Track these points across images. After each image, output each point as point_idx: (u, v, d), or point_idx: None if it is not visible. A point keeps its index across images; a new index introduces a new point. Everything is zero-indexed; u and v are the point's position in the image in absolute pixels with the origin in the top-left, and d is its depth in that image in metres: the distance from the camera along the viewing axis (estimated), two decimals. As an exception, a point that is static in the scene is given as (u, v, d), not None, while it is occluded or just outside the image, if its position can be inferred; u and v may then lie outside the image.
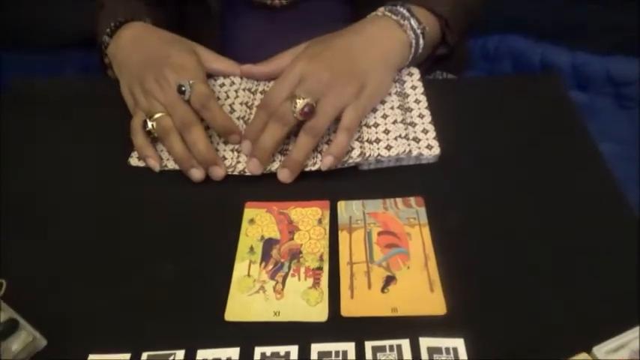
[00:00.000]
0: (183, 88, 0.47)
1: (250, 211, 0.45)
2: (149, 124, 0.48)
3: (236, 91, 0.54)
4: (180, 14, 0.72)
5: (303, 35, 0.66)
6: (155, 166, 0.48)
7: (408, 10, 0.53)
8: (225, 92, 0.53)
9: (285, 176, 0.46)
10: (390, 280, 0.40)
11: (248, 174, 0.47)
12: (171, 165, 0.48)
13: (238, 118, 0.51)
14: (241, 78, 0.55)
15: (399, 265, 0.41)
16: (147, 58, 0.51)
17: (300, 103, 0.44)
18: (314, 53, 0.48)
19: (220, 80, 0.54)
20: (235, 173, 0.47)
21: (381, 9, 0.53)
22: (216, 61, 0.55)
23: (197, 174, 0.46)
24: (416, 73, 0.54)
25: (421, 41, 0.52)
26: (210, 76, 0.54)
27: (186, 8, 0.71)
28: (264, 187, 0.47)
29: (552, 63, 1.14)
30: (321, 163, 0.46)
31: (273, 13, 0.66)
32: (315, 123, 0.45)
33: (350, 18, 0.66)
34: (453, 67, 0.77)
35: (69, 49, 1.18)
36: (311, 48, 0.49)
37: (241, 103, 0.53)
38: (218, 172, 0.47)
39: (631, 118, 1.11)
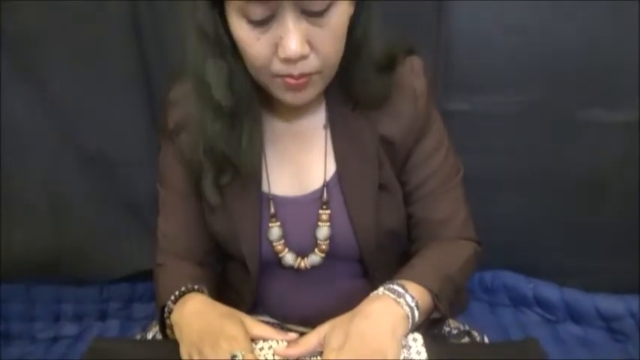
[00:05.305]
0: (236, 358, 0.58)
1: None
2: (203, 384, 0.58)
3: (273, 355, 0.65)
4: (223, 272, 0.87)
5: (324, 290, 0.80)
6: None
7: (402, 287, 0.65)
8: (264, 355, 0.65)
9: None
10: None
11: None
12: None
13: (274, 376, 0.61)
14: (277, 342, 0.67)
15: None
16: (205, 329, 0.63)
17: None
18: (338, 346, 0.59)
19: (260, 344, 0.66)
20: None
21: (381, 288, 0.66)
22: (257, 328, 0.66)
23: None
24: (419, 338, 0.65)
25: (416, 312, 0.64)
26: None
27: (229, 268, 0.87)
28: None
29: (544, 297, 1.27)
30: None
31: (299, 273, 0.79)
32: None
33: (362, 275, 0.80)
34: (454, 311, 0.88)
35: (114, 283, 1.34)
36: (334, 340, 0.60)
37: (276, 362, 0.64)
38: None
39: (626, 352, 1.18)
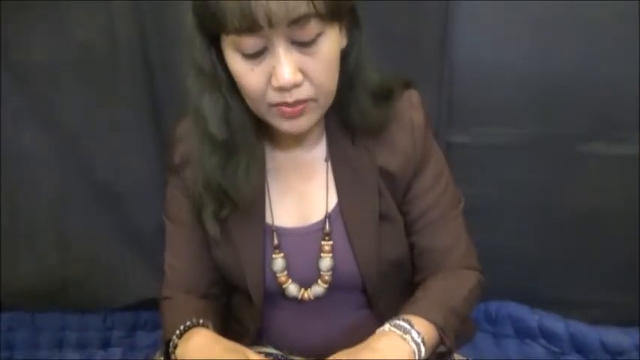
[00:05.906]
0: None
1: None
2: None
3: (273, 383, 0.65)
4: (227, 304, 0.87)
5: (328, 320, 0.80)
6: None
7: (408, 323, 0.65)
8: (266, 387, 0.65)
9: None
10: None
11: None
12: None
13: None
14: (279, 375, 0.67)
15: None
16: None
17: None
18: None
19: (264, 378, 0.67)
20: None
21: (387, 324, 0.66)
22: None
23: None
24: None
25: (422, 348, 0.64)
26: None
27: (233, 299, 0.87)
28: None
29: (549, 329, 1.25)
30: None
31: (303, 304, 0.79)
32: None
33: (366, 305, 0.80)
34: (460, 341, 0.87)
35: (118, 312, 1.35)
36: None
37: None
38: None
39: (634, 387, 1.16)
